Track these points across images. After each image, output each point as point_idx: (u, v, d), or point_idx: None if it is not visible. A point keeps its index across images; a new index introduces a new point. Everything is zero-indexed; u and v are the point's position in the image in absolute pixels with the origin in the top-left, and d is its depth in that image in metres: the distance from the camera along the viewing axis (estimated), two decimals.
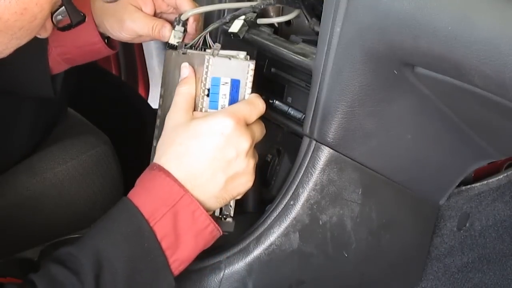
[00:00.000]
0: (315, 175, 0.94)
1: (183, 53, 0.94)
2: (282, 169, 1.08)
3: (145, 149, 0.99)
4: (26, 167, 1.16)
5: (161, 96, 1.00)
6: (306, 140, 0.95)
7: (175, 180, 0.82)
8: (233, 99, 0.87)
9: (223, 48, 0.89)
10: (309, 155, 0.94)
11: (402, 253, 1.12)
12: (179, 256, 0.83)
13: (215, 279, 0.92)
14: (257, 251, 0.94)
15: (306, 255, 0.97)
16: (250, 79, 0.88)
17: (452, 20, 0.72)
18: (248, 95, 0.88)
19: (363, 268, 1.06)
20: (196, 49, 0.95)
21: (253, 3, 0.98)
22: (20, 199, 1.12)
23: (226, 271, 0.93)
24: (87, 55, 1.07)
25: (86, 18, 1.01)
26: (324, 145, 0.93)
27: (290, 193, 0.94)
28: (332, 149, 0.93)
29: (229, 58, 0.87)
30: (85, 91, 1.33)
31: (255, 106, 0.88)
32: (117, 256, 0.79)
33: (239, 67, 0.87)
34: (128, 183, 1.20)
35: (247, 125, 0.86)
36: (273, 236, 0.94)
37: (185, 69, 0.89)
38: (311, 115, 0.92)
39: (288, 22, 1.08)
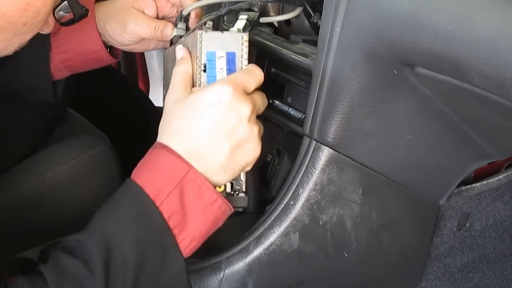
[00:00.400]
0: (315, 175, 0.94)
1: (178, 43, 0.93)
2: (282, 169, 1.08)
3: (147, 147, 0.98)
4: (26, 167, 1.16)
5: (164, 98, 0.99)
6: (306, 140, 0.95)
7: (179, 156, 0.81)
8: (231, 72, 0.87)
9: None
10: (309, 155, 0.94)
11: (402, 253, 1.12)
12: (188, 234, 0.81)
13: (215, 279, 0.92)
14: (257, 251, 0.94)
15: (306, 255, 0.97)
16: (245, 50, 0.87)
17: (452, 20, 0.72)
18: (245, 66, 0.87)
19: (363, 268, 1.06)
20: None
21: None
22: (20, 199, 1.12)
23: (226, 271, 0.93)
24: (89, 62, 1.07)
25: (90, 24, 1.01)
26: (324, 145, 0.93)
27: (290, 193, 0.94)
28: (332, 149, 0.93)
29: (222, 32, 0.86)
30: (87, 87, 1.32)
31: (252, 74, 0.86)
32: (125, 240, 0.78)
33: (233, 39, 0.86)
34: None
35: (247, 94, 0.85)
36: (273, 236, 0.94)
37: (180, 51, 0.89)
38: (311, 115, 0.92)
39: (288, 22, 1.08)
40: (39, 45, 1.02)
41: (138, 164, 0.84)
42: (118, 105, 1.45)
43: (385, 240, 1.05)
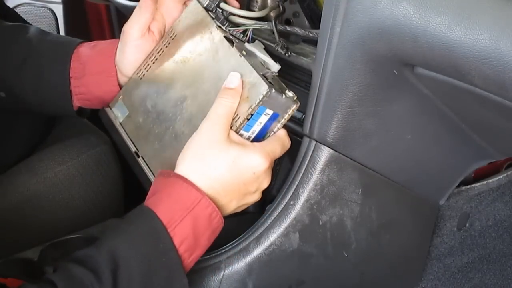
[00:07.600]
0: (315, 175, 0.94)
1: (239, 50, 0.88)
2: (282, 169, 1.08)
3: None
4: (27, 167, 1.16)
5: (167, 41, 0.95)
6: (306, 140, 0.95)
7: (193, 185, 0.83)
8: (265, 129, 0.88)
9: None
10: (309, 155, 0.94)
11: (402, 253, 1.13)
12: (195, 257, 0.84)
13: (215, 279, 0.92)
14: (257, 251, 0.94)
15: (306, 255, 0.97)
16: (287, 117, 0.88)
17: (452, 20, 0.72)
18: (277, 129, 0.89)
19: (363, 268, 1.06)
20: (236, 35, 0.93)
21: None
22: (20, 199, 1.12)
23: (226, 271, 0.93)
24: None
25: (111, 79, 1.00)
26: (324, 145, 0.93)
27: (290, 193, 0.94)
28: (332, 149, 0.93)
29: (282, 95, 0.86)
30: None
31: (285, 146, 0.89)
32: (132, 254, 0.80)
33: (285, 104, 0.87)
34: (128, 183, 1.20)
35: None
36: (273, 236, 0.94)
37: (236, 79, 0.86)
38: (311, 115, 0.92)
39: (288, 22, 1.08)
40: (59, 72, 1.01)
41: (150, 191, 0.86)
42: None
43: (385, 240, 1.05)
